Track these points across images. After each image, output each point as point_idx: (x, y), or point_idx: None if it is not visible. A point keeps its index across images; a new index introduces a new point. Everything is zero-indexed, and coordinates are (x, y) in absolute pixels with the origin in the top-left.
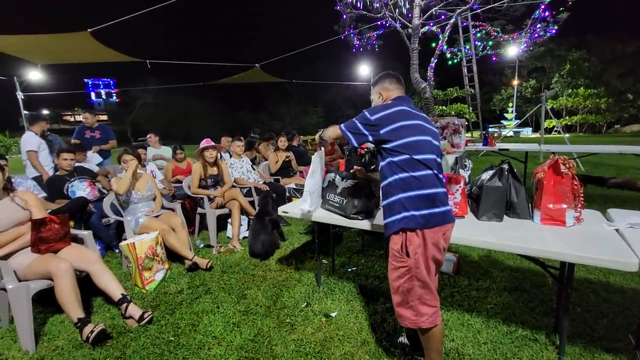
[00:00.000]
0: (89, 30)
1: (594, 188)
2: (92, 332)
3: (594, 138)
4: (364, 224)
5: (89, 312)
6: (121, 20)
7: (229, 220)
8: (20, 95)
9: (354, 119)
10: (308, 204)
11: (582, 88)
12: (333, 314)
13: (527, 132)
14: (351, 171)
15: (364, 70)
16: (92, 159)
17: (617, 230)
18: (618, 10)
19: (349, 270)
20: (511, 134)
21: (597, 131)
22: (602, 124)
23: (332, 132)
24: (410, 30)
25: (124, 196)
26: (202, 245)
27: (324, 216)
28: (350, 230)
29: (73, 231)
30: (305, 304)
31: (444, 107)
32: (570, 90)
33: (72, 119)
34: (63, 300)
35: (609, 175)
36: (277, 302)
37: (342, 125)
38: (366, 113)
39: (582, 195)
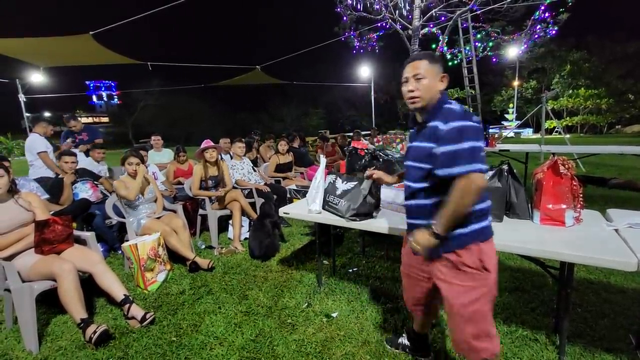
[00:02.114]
0: (91, 32)
1: (595, 189)
2: (94, 332)
3: (595, 139)
4: (363, 225)
5: (92, 312)
6: (123, 22)
7: (230, 221)
8: (22, 97)
9: (471, 147)
10: (317, 204)
11: (582, 89)
12: (334, 315)
13: (528, 133)
14: (367, 176)
15: (365, 71)
16: (89, 163)
17: (616, 230)
18: (618, 12)
19: (350, 271)
20: (512, 134)
21: (598, 132)
22: (603, 124)
23: (474, 191)
24: (410, 32)
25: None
26: (203, 247)
27: (325, 217)
28: (351, 231)
29: (76, 232)
30: (307, 304)
31: None
32: (570, 91)
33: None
34: (66, 301)
35: (610, 176)
36: (278, 303)
37: (474, 166)
38: (473, 124)
39: (581, 195)
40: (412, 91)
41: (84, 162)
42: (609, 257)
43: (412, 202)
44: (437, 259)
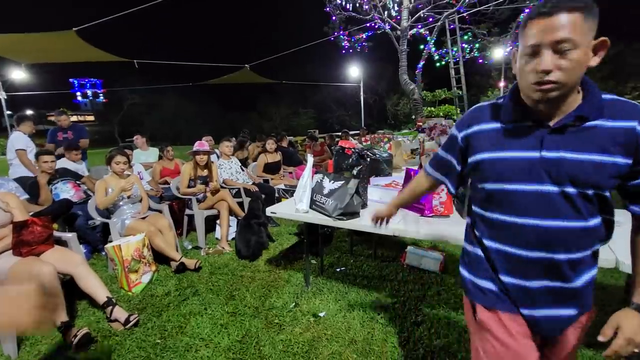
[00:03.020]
0: (74, 29)
1: None
2: (75, 336)
3: None
4: (350, 224)
5: (73, 316)
6: (108, 19)
7: (218, 221)
8: (2, 95)
9: None
10: (304, 203)
11: None
12: (321, 314)
13: None
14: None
15: (354, 71)
16: (65, 163)
17: None
18: (599, 14)
19: (338, 270)
20: None
21: None
22: None
23: None
24: (399, 32)
25: (121, 198)
26: (190, 247)
27: (312, 216)
28: (340, 230)
29: (57, 234)
30: (294, 304)
31: (432, 108)
32: None
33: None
34: None
35: None
36: (266, 303)
37: None
38: None
39: None
40: (547, 72)
41: (65, 161)
42: None
43: (562, 256)
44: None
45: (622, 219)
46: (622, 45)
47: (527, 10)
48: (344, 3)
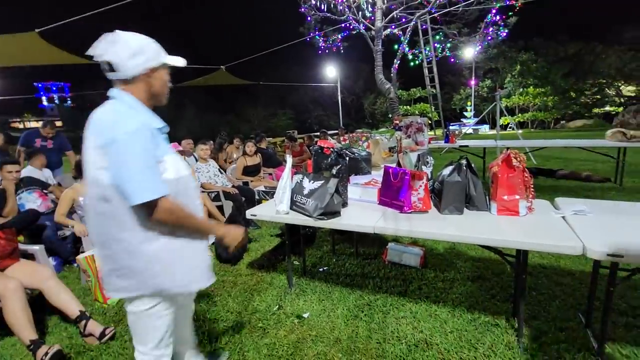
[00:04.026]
0: (36, 30)
1: (545, 180)
2: (46, 354)
3: (544, 133)
4: (331, 224)
5: (43, 333)
6: (73, 19)
7: None
8: None
9: None
10: (285, 204)
11: (531, 87)
12: (305, 315)
13: (485, 129)
14: None
15: (331, 71)
16: (30, 172)
17: (563, 217)
18: (560, 15)
19: (321, 270)
20: (471, 131)
21: (546, 127)
22: (550, 120)
23: None
24: (373, 33)
25: (80, 208)
26: None
27: (293, 217)
28: (322, 229)
29: (22, 246)
30: (277, 306)
31: (408, 106)
32: (521, 90)
33: (21, 126)
34: (12, 323)
35: (557, 167)
36: (249, 307)
37: None
38: None
39: (532, 186)
40: None
41: (30, 169)
42: (557, 243)
43: None
44: None
45: (588, 208)
46: (581, 44)
47: (494, 11)
48: (318, 4)
